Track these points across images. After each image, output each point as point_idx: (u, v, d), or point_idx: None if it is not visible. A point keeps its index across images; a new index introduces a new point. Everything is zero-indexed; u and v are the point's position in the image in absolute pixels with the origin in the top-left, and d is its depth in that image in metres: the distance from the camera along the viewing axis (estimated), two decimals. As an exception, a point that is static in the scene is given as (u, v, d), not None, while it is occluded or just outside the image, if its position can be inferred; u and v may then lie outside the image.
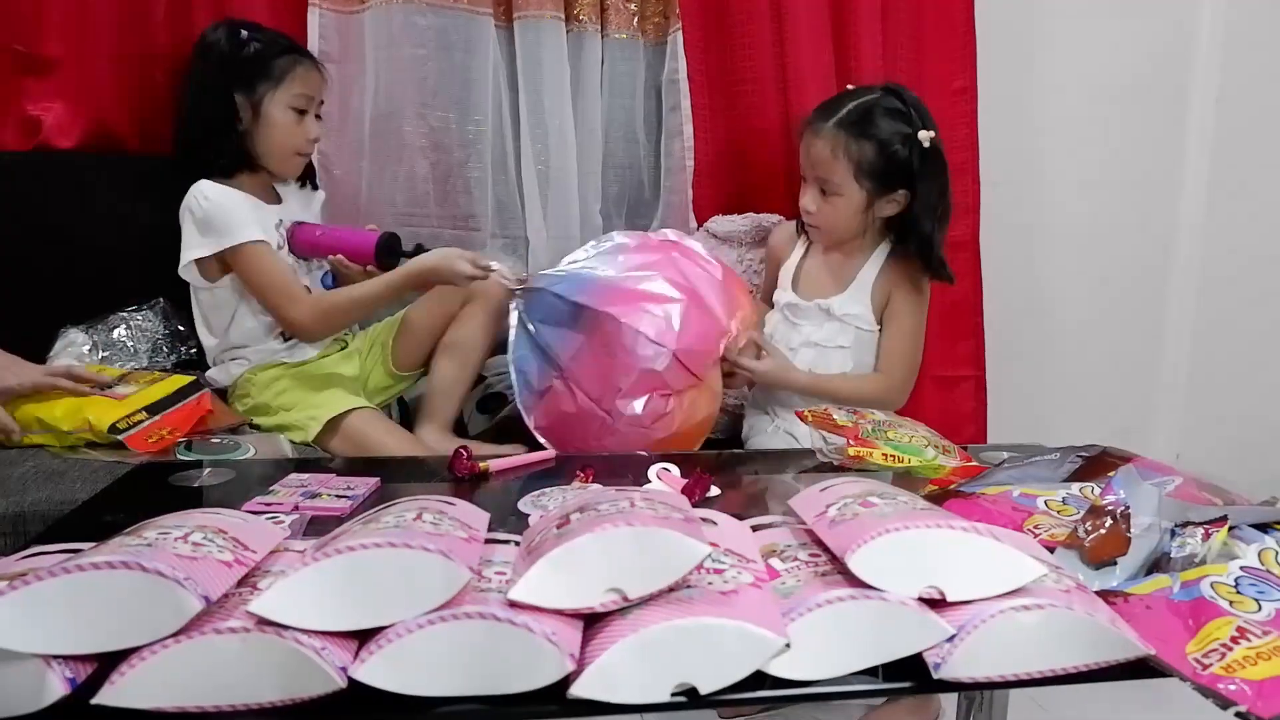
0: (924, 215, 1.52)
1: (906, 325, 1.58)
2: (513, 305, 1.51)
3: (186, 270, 1.52)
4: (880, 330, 1.58)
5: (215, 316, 1.57)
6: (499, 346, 1.62)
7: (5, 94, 1.70)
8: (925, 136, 1.49)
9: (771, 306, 1.70)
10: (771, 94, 1.85)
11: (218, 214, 1.48)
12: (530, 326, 1.49)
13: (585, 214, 1.87)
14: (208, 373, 1.58)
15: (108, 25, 1.70)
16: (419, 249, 1.60)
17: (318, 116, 1.60)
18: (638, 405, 1.42)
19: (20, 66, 1.69)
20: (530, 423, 1.45)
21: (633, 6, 1.88)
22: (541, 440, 1.43)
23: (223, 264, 1.52)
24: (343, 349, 1.66)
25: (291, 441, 1.48)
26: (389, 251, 1.60)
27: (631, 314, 1.43)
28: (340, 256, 1.60)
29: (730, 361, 1.52)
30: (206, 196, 1.49)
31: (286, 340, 1.59)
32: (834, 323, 1.58)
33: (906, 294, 1.57)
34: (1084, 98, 2.18)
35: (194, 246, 1.50)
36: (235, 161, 1.54)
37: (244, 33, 1.52)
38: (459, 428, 1.61)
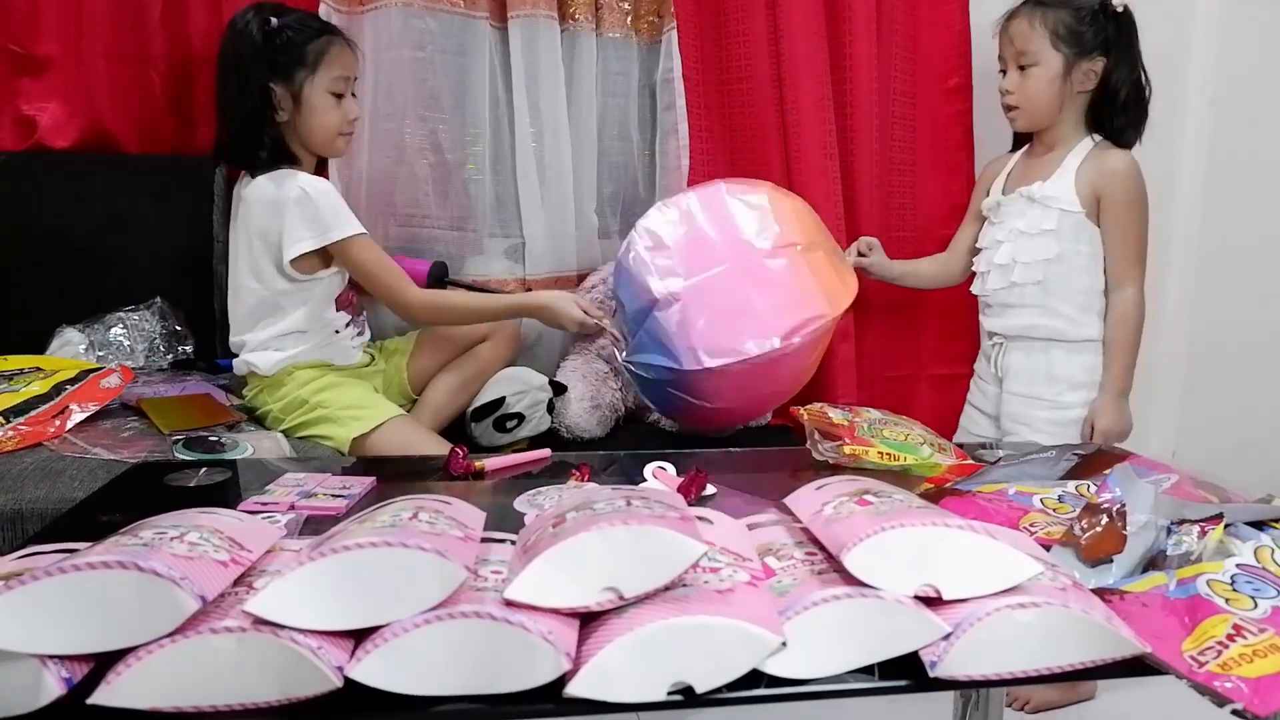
0: (1119, 82, 1.57)
1: (1120, 224, 1.56)
2: (620, 359, 1.63)
3: (288, 265, 1.47)
4: (1085, 215, 1.57)
5: (287, 302, 1.51)
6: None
7: (1, 94, 1.70)
8: (1119, 2, 1.56)
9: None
10: (766, 92, 1.84)
11: (324, 205, 1.45)
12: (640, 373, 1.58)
13: (581, 213, 1.87)
14: (240, 358, 1.53)
15: (103, 25, 1.70)
16: (472, 287, 1.75)
17: (353, 95, 1.57)
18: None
19: (15, 66, 1.69)
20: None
21: (627, 6, 1.88)
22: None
23: (323, 257, 1.50)
24: (369, 363, 1.66)
25: (305, 439, 1.48)
26: (438, 281, 1.71)
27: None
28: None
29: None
30: (312, 186, 1.45)
31: (338, 330, 1.59)
32: (1036, 208, 1.60)
33: (1116, 191, 1.55)
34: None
35: (301, 240, 1.45)
36: (275, 155, 1.50)
37: (274, 20, 1.46)
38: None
